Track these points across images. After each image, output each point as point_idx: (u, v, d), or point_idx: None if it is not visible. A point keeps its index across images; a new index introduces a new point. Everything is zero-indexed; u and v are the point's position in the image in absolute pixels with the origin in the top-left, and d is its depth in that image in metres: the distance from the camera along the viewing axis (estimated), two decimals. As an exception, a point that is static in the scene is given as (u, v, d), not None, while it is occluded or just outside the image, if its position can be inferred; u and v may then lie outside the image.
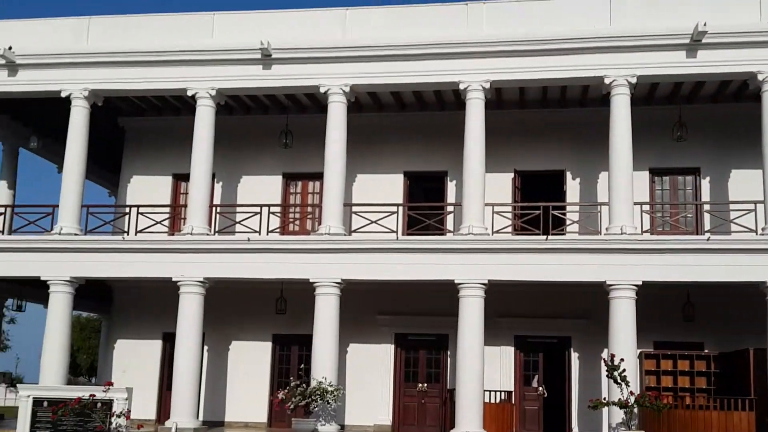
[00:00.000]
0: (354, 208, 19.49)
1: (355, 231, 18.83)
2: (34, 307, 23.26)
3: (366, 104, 20.84)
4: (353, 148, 19.56)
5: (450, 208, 19.82)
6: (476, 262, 17.61)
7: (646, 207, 19.17)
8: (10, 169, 22.81)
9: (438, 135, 21.00)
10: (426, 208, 19.87)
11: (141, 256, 18.76)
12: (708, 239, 17.19)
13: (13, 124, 22.48)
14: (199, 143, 18.92)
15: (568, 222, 19.18)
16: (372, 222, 18.81)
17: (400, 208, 19.51)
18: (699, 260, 17.12)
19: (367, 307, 20.86)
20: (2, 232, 19.88)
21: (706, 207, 19.47)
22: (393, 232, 18.46)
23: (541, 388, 20.22)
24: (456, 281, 17.63)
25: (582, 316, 19.95)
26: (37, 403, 16.68)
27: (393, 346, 20.91)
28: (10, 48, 19.18)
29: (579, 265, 17.44)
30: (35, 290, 21.34)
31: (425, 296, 20.38)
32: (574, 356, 20.14)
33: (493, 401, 18.84)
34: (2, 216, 20.27)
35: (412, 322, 20.84)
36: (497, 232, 18.36)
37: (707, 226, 19.15)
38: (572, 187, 20.56)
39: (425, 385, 20.76)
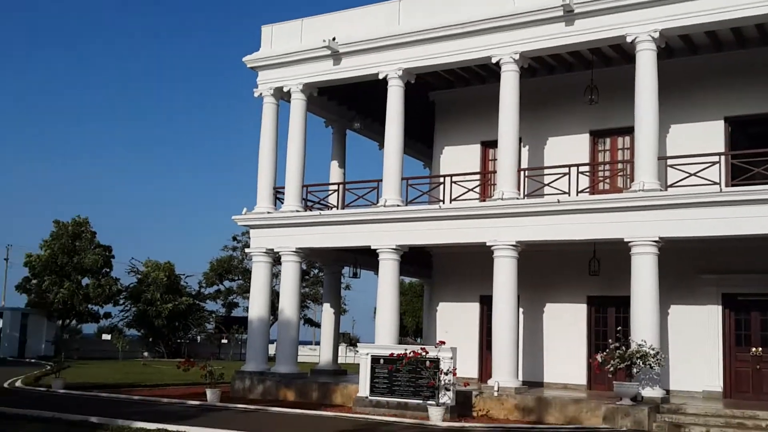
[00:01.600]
0: (669, 162, 18.40)
1: (671, 186, 17.78)
2: (366, 274, 25.56)
3: (677, 48, 19.49)
4: (665, 97, 18.42)
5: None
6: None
7: None
8: (340, 150, 25.33)
9: (763, 74, 18.93)
10: (752, 155, 18.04)
11: (456, 222, 19.65)
12: None
13: (339, 108, 24.93)
14: (505, 109, 19.22)
15: None
16: (690, 175, 17.60)
17: (722, 157, 17.98)
18: None
19: (689, 266, 19.65)
20: (337, 207, 22.15)
21: None
22: (715, 183, 17.10)
23: None
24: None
25: None
26: (375, 360, 18.46)
27: (720, 308, 19.45)
28: (333, 39, 21.18)
29: None
30: (367, 258, 23.48)
31: (757, 252, 18.61)
32: None
33: None
34: (336, 192, 22.60)
35: (741, 281, 19.18)
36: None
37: None
38: None
39: (760, 349, 19.04)
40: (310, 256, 23.55)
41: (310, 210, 22.35)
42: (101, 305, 48.19)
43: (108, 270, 48.33)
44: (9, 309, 46.09)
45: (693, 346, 19.42)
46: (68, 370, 24.53)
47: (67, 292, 44.75)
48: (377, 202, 20.87)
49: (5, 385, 23.29)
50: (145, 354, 51.27)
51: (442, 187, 21.01)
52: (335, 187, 22.93)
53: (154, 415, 15.69)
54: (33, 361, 39.29)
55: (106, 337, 53.45)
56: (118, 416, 15.05)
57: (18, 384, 23.63)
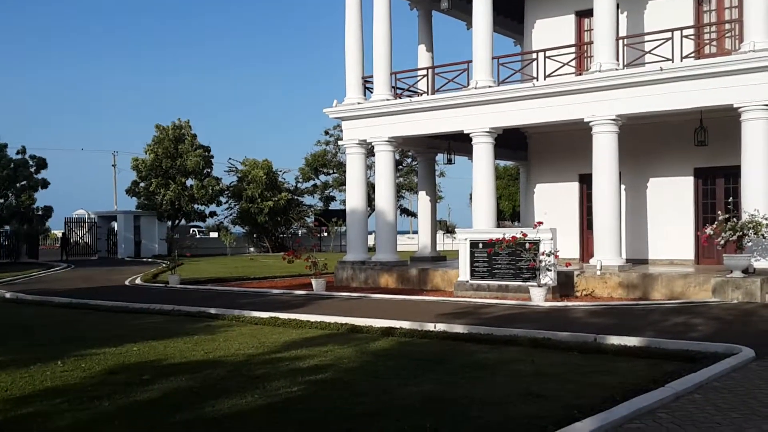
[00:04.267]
0: (784, 18, 16.89)
1: (786, 44, 16.41)
2: (460, 160, 25.27)
3: None
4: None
5: None
6: None
7: None
8: (427, 32, 24.55)
9: None
10: None
11: (551, 100, 18.93)
12: None
13: (425, -13, 23.89)
14: (599, -26, 17.96)
15: None
16: (809, 30, 16.16)
17: None
18: None
19: (807, 130, 18.34)
20: (427, 93, 21.70)
21: None
22: (837, 37, 15.66)
23: None
24: None
25: None
26: (473, 244, 18.45)
27: (842, 172, 18.20)
28: None
29: None
30: (461, 144, 23.12)
31: None
32: None
33: None
34: (425, 78, 22.09)
35: None
36: None
37: None
38: None
39: None
40: (402, 145, 23.39)
41: (400, 98, 21.99)
42: (206, 205, 50.03)
43: (209, 171, 49.86)
44: (122, 212, 48.48)
45: (810, 214, 18.39)
46: (182, 267, 25.78)
47: (173, 193, 46.64)
48: (468, 84, 20.29)
49: (126, 282, 24.76)
50: (251, 249, 53.34)
51: (535, 63, 20.16)
52: (424, 72, 22.40)
53: (265, 305, 16.34)
54: (149, 260, 41.55)
55: (214, 234, 55.72)
56: (232, 307, 15.76)
57: (138, 281, 25.06)
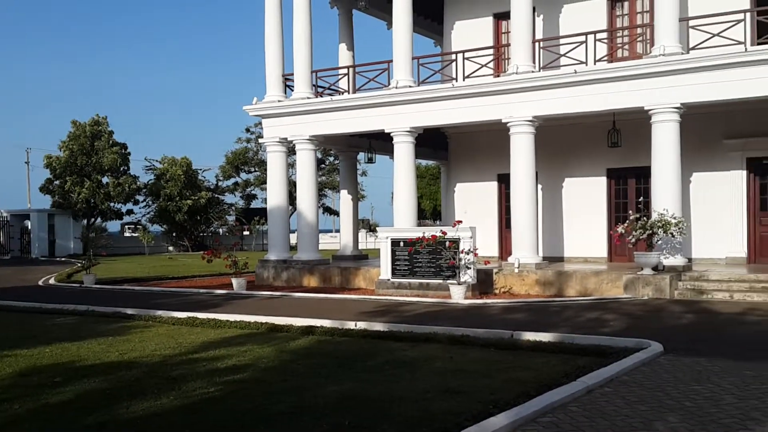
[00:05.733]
0: (691, 23, 17.61)
1: (693, 48, 17.12)
2: (382, 159, 25.39)
3: None
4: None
5: (810, 8, 16.98)
6: None
7: None
8: (347, 31, 24.52)
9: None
10: (780, 11, 17.21)
11: (470, 101, 19.20)
12: None
13: (343, -14, 23.86)
14: (517, -23, 18.33)
15: None
16: (713, 35, 16.89)
17: (747, 14, 17.17)
18: None
19: (712, 132, 19.26)
20: (348, 91, 21.68)
21: None
22: (740, 43, 16.42)
23: None
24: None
25: None
26: (395, 243, 18.55)
27: (745, 172, 19.19)
28: None
29: None
30: (382, 143, 23.19)
31: (782, 114, 18.16)
32: None
33: None
34: (346, 76, 22.06)
35: (767, 144, 18.80)
36: None
37: None
38: None
39: (785, 212, 18.88)
40: (324, 144, 23.32)
41: (321, 96, 21.92)
42: (122, 203, 48.71)
43: (126, 168, 48.54)
44: (36, 210, 46.69)
45: (716, 214, 19.30)
46: (98, 266, 25.01)
47: (88, 191, 45.18)
48: (389, 84, 20.39)
49: (40, 283, 23.85)
50: (170, 249, 52.18)
51: (454, 64, 20.42)
52: (345, 71, 22.37)
53: (184, 305, 16.01)
54: (63, 259, 40.15)
55: (127, 234, 54.23)
56: (149, 307, 15.38)
57: (52, 281, 24.19)
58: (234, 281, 20.04)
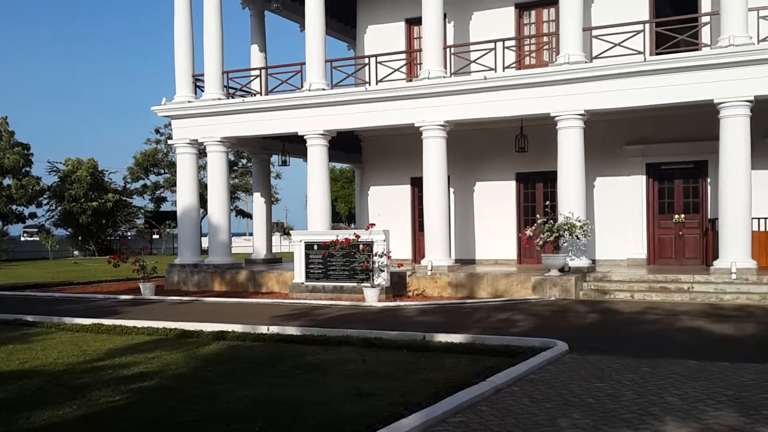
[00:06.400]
0: (594, 32, 18.27)
1: (596, 57, 17.76)
2: (296, 162, 25.19)
3: None
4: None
5: (705, 19, 17.89)
6: (742, 77, 15.89)
7: None
8: (260, 33, 24.27)
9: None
10: (676, 22, 18.05)
11: (383, 105, 19.32)
12: None
13: (255, -14, 23.60)
14: (429, -16, 18.57)
15: None
16: (615, 45, 17.57)
17: (647, 25, 17.96)
18: None
19: (614, 138, 20.02)
20: (260, 93, 21.46)
21: None
22: (639, 53, 17.14)
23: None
24: (716, 100, 16.14)
25: None
26: (309, 246, 18.47)
27: (644, 177, 20.03)
28: None
29: None
30: (295, 145, 23.06)
31: (678, 121, 19.08)
32: None
33: (763, 230, 17.53)
34: (258, 78, 21.83)
35: (665, 150, 19.71)
36: (764, 40, 16.33)
37: None
38: None
39: (682, 216, 19.79)
40: (236, 146, 23.01)
41: (233, 97, 21.62)
42: (25, 206, 46.75)
43: (29, 170, 46.64)
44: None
45: (618, 217, 20.07)
46: (-5, 272, 23.91)
47: (-14, 194, 43.20)
48: (302, 86, 20.30)
49: (-72, 291, 22.57)
50: (76, 253, 50.37)
51: (367, 68, 20.52)
52: (257, 72, 22.14)
53: (89, 311, 15.49)
54: (-43, 266, 38.16)
55: (26, 237, 52.04)
56: (52, 313, 14.81)
57: (-58, 290, 22.93)
58: (142, 286, 19.52)
